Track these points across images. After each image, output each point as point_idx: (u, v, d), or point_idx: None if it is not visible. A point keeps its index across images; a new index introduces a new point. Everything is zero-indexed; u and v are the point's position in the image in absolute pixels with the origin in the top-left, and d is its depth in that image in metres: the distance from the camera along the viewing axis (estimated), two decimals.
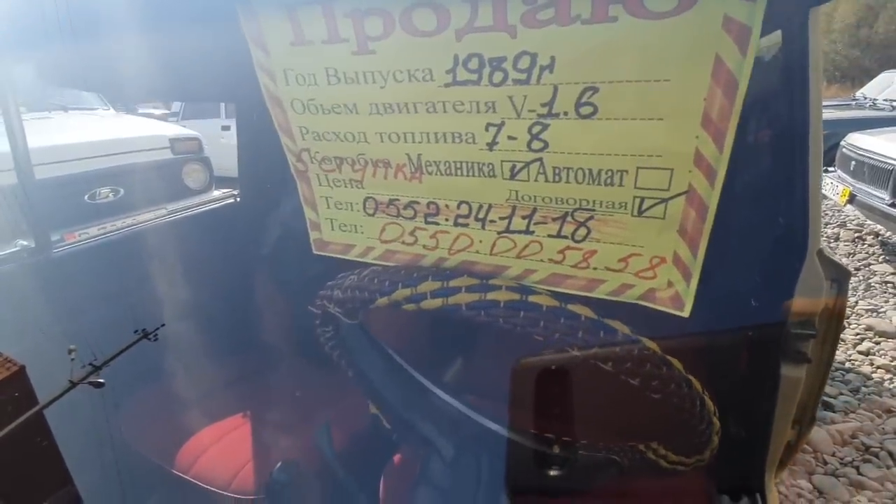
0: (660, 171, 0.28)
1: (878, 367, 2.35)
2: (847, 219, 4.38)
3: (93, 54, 0.58)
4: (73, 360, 0.50)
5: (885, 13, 24.40)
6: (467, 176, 0.34)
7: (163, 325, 0.57)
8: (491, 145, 0.32)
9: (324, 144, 0.39)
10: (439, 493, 0.45)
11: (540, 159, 0.31)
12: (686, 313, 0.31)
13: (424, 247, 0.39)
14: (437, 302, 0.37)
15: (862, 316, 2.83)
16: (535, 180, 0.32)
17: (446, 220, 0.37)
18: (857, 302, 2.97)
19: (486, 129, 0.31)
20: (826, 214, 4.60)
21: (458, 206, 0.36)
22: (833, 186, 3.65)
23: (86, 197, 2.69)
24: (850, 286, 3.15)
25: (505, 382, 0.47)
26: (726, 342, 0.43)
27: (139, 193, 2.87)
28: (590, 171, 0.30)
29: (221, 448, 0.82)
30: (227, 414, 0.84)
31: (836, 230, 4.18)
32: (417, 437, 0.45)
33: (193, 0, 0.38)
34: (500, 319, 0.36)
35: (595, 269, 0.33)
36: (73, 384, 0.48)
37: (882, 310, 2.89)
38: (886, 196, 3.09)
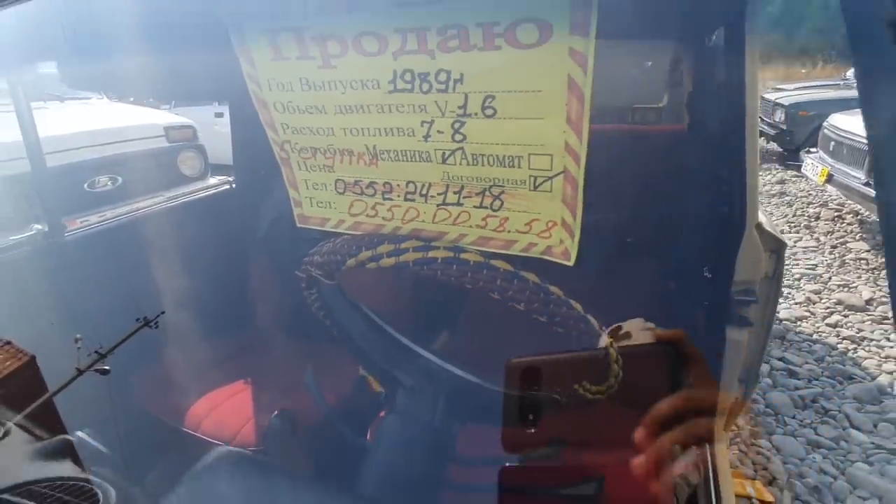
0: (544, 156, 0.38)
1: (844, 339, 2.49)
2: (829, 198, 4.49)
3: (103, 62, 0.67)
4: (79, 348, 0.60)
5: None
6: (411, 161, 0.44)
7: (163, 312, 0.67)
8: (426, 137, 0.42)
9: (301, 137, 0.49)
10: (401, 419, 0.56)
11: (462, 148, 0.41)
12: (571, 263, 0.41)
13: (383, 218, 0.49)
14: (391, 260, 0.48)
15: (834, 291, 2.95)
16: (460, 164, 0.42)
17: (398, 196, 0.47)
18: (830, 278, 3.10)
19: (421, 126, 0.42)
20: (809, 194, 4.72)
21: (406, 185, 0.46)
22: (813, 167, 3.75)
23: (85, 185, 2.77)
24: (825, 263, 3.27)
25: (453, 327, 0.58)
26: (678, 302, 0.53)
27: (136, 181, 2.95)
28: (497, 157, 0.40)
29: (226, 408, 0.93)
30: (230, 378, 0.94)
31: (817, 209, 4.30)
32: (384, 374, 0.56)
33: (197, 22, 0.48)
34: (438, 272, 0.46)
35: (509, 231, 0.44)
36: (80, 371, 0.58)
37: (854, 285, 3.01)
38: (862, 175, 3.20)
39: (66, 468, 0.46)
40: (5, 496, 0.39)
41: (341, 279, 0.57)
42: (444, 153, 0.42)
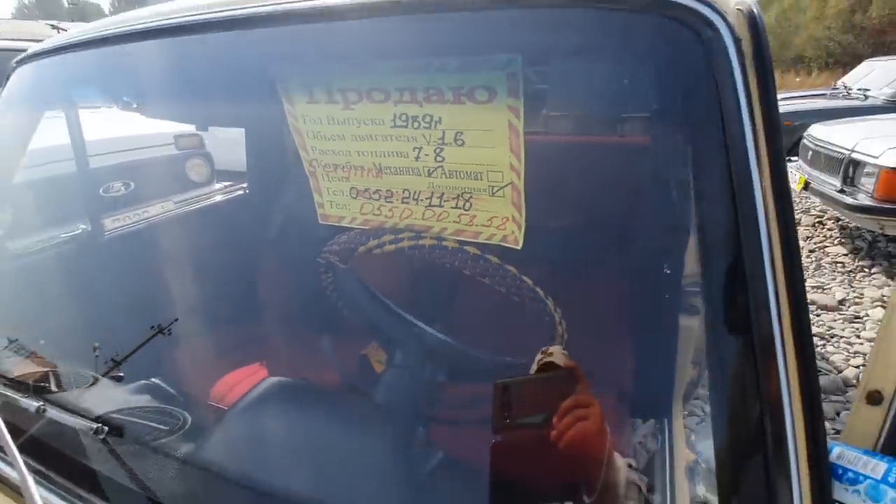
0: (496, 172, 0.56)
1: (814, 335, 2.67)
2: (812, 205, 4.68)
3: (166, 98, 0.85)
4: (97, 356, 0.75)
5: None
6: (406, 175, 0.62)
7: (176, 319, 0.82)
8: (416, 159, 0.60)
9: (325, 157, 0.67)
10: (397, 375, 0.73)
11: (441, 166, 0.59)
12: (519, 247, 0.59)
13: (385, 216, 0.67)
14: (392, 247, 0.65)
15: (808, 292, 3.13)
16: (440, 178, 0.60)
17: (397, 200, 0.65)
18: (805, 279, 3.27)
19: (413, 150, 0.59)
20: (794, 201, 4.89)
21: (402, 192, 0.64)
22: (791, 175, 3.93)
23: (100, 190, 2.96)
24: (803, 266, 3.45)
25: (437, 298, 0.76)
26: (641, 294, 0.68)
27: (147, 187, 3.13)
28: (466, 172, 0.58)
29: (249, 382, 1.10)
30: (250, 358, 1.11)
31: (798, 216, 4.47)
32: (384, 336, 0.73)
33: (244, 71, 0.65)
34: (426, 256, 0.64)
35: (476, 226, 0.61)
36: (96, 379, 0.72)
37: (828, 286, 3.18)
38: (837, 183, 3.38)
39: (157, 400, 0.63)
40: (123, 416, 0.56)
41: (353, 263, 0.75)
42: (429, 170, 0.60)
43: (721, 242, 0.40)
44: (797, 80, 23.09)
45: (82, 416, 0.49)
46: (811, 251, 3.74)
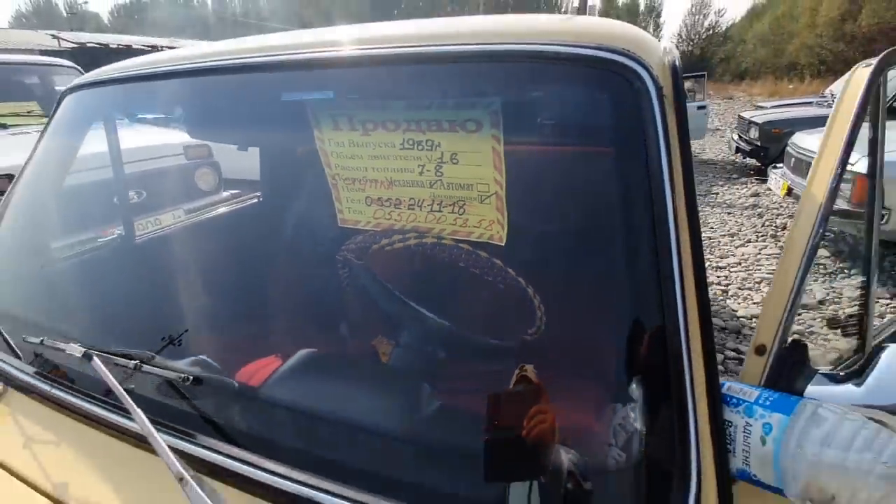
0: (483, 184, 0.71)
1: (794, 333, 2.82)
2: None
3: (207, 119, 1.00)
4: (164, 339, 0.87)
5: (868, 7, 24.47)
6: (412, 187, 0.77)
7: (186, 330, 0.95)
8: (420, 174, 0.75)
9: (345, 171, 0.82)
10: (406, 353, 0.88)
11: (440, 180, 0.74)
12: (503, 244, 0.74)
13: (394, 220, 0.82)
14: (400, 245, 0.80)
15: None
16: (440, 189, 0.75)
17: (404, 206, 0.80)
18: (704, 263, 3.44)
19: (418, 167, 0.75)
20: (780, 206, 5.05)
21: (408, 200, 0.79)
22: (776, 181, 4.10)
23: (115, 199, 3.11)
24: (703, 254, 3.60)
25: (438, 286, 0.91)
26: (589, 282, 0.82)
27: (159, 195, 3.29)
28: (460, 184, 0.73)
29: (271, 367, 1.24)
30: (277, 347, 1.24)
31: (785, 220, 4.64)
32: (394, 324, 0.88)
33: (267, 104, 0.81)
34: (428, 251, 0.79)
35: (469, 227, 0.76)
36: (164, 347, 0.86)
37: (809, 287, 3.33)
38: None
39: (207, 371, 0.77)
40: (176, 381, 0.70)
41: (367, 259, 0.89)
42: (430, 182, 0.75)
43: (642, 238, 0.55)
44: (790, 86, 23.44)
45: (172, 371, 0.63)
46: None
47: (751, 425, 0.49)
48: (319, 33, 0.83)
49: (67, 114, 1.17)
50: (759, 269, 3.66)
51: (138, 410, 0.54)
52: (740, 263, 3.77)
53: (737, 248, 4.10)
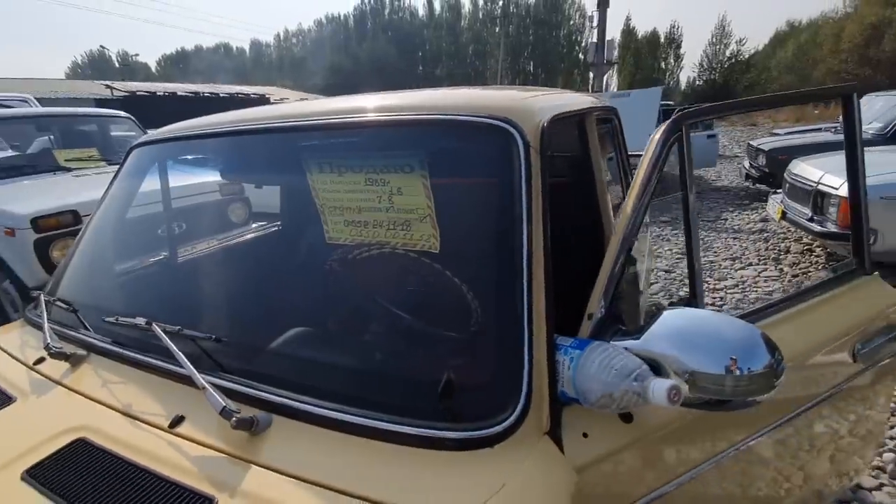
0: (421, 209, 1.00)
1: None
2: (803, 235, 4.91)
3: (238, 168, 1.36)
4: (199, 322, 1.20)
5: (890, 32, 24.15)
6: (374, 212, 1.08)
7: (213, 312, 1.27)
8: (379, 202, 1.06)
9: (329, 202, 1.13)
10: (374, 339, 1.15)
11: (392, 206, 1.04)
12: (437, 251, 1.02)
13: (364, 236, 1.12)
14: (367, 254, 1.10)
15: None
16: (392, 213, 1.05)
17: (370, 227, 1.10)
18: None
19: (376, 198, 1.05)
20: (786, 231, 5.12)
21: (373, 221, 1.09)
22: (773, 205, 4.25)
23: (159, 231, 3.55)
24: (782, 289, 3.69)
25: (396, 283, 1.19)
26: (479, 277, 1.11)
27: (196, 227, 3.72)
28: (405, 209, 1.03)
29: None
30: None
31: (789, 244, 4.73)
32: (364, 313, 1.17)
33: (280, 156, 1.13)
34: (386, 258, 1.08)
35: (414, 240, 1.05)
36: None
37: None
38: (808, 212, 3.69)
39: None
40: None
41: (347, 266, 1.19)
42: (386, 208, 1.05)
43: (507, 244, 0.82)
44: (815, 112, 23.23)
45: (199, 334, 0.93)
46: (794, 276, 3.99)
47: (564, 361, 0.74)
48: (310, 105, 1.16)
49: (133, 163, 1.55)
50: (756, 291, 3.77)
51: (184, 358, 0.83)
52: (738, 285, 3.89)
53: (737, 271, 4.22)
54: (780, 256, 4.47)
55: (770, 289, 3.81)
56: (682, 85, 38.00)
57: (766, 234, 5.22)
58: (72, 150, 4.37)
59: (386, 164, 1.01)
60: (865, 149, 4.06)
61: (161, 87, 23.47)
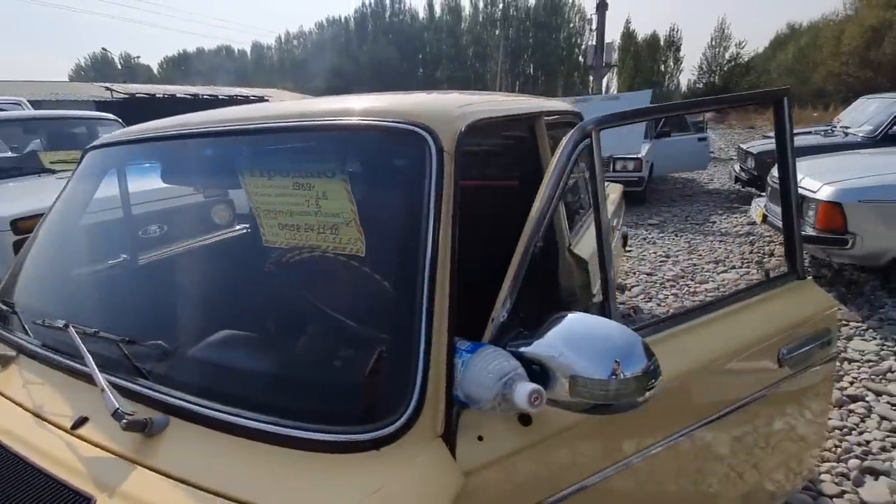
0: (346, 213, 1.01)
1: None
2: None
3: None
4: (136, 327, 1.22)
5: (890, 35, 24.11)
6: (304, 216, 1.09)
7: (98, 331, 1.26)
8: (307, 207, 1.07)
9: (264, 206, 1.14)
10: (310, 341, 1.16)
11: (320, 210, 1.06)
12: (363, 253, 1.03)
13: (298, 239, 1.13)
14: (300, 257, 1.11)
15: None
16: (321, 217, 1.06)
17: (301, 230, 1.11)
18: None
19: (305, 202, 1.06)
20: (772, 234, 5.11)
21: (305, 225, 1.10)
22: (756, 209, 4.24)
23: (140, 232, 3.57)
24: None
25: (325, 280, 1.20)
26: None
27: (178, 229, 3.74)
28: (333, 213, 1.04)
29: None
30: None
31: (773, 247, 4.72)
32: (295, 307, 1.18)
33: (221, 159, 1.15)
34: (318, 260, 1.09)
35: (342, 243, 1.07)
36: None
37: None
38: None
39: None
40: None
41: (282, 267, 1.20)
42: (315, 212, 1.06)
43: (407, 246, 0.83)
44: (815, 114, 23.21)
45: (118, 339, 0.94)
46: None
47: (458, 364, 0.75)
48: (250, 109, 1.18)
49: (87, 165, 1.56)
50: None
51: (90, 359, 0.84)
52: (718, 288, 3.89)
53: (719, 274, 4.22)
54: (764, 260, 4.47)
55: None
56: (683, 87, 38.01)
57: (752, 238, 5.22)
58: (56, 153, 4.39)
59: (310, 169, 1.03)
60: (853, 151, 4.05)
61: (161, 90, 23.54)
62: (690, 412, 0.97)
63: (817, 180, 3.43)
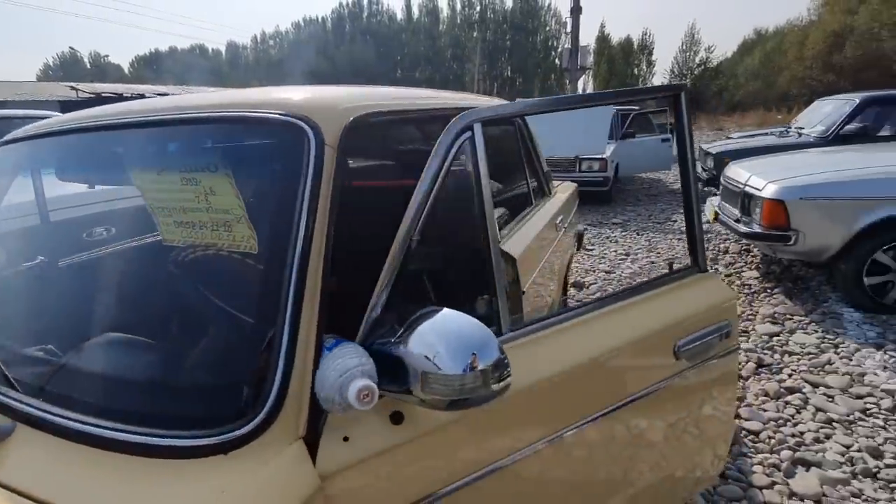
0: (235, 209, 0.98)
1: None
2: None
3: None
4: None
5: (850, 40, 25.12)
6: (197, 212, 1.05)
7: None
8: (198, 203, 1.03)
9: (158, 203, 1.10)
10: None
11: (211, 206, 1.02)
12: (256, 252, 1.00)
13: (194, 238, 1.09)
14: (195, 255, 1.07)
15: None
16: (212, 213, 1.03)
17: (196, 227, 1.07)
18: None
19: (195, 197, 1.02)
20: (728, 232, 5.23)
21: (199, 222, 1.06)
22: (710, 208, 4.34)
23: (84, 235, 3.45)
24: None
25: (219, 281, 1.16)
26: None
27: (125, 230, 3.61)
28: (223, 210, 1.01)
29: None
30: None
31: (728, 245, 4.83)
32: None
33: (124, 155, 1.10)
34: (213, 257, 1.06)
35: (236, 241, 1.03)
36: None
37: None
38: (737, 213, 3.78)
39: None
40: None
41: (180, 266, 1.16)
42: (206, 209, 1.03)
43: (277, 241, 0.81)
44: (779, 117, 23.97)
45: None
46: (728, 275, 4.09)
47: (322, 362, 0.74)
48: (144, 103, 1.14)
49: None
50: None
51: None
52: None
53: None
54: (719, 257, 4.58)
55: None
56: None
57: (709, 235, 5.34)
58: None
59: (195, 164, 0.99)
60: (803, 150, 4.17)
61: (129, 89, 22.89)
62: (578, 408, 0.97)
63: (763, 179, 3.52)
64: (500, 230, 1.68)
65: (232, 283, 0.91)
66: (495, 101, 1.65)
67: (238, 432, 0.68)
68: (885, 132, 5.63)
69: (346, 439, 0.74)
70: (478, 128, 0.90)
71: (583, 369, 0.95)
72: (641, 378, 1.05)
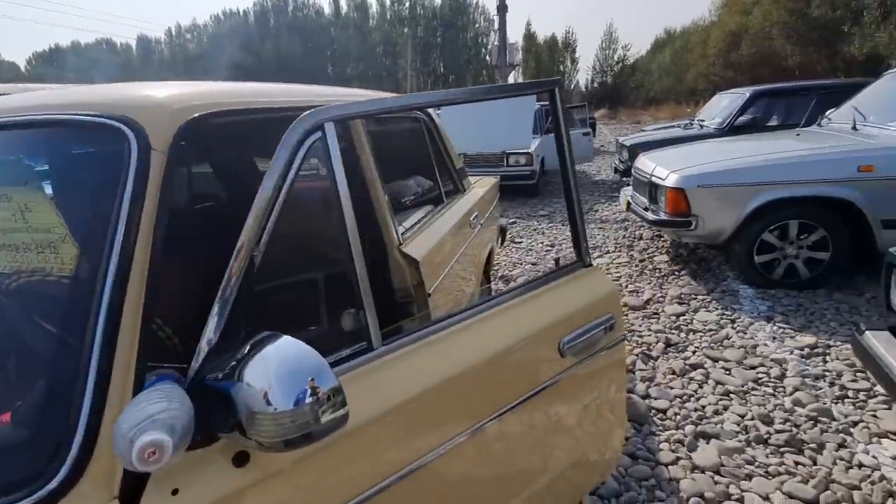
0: (57, 228, 0.85)
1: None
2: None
3: None
4: None
5: (746, 38, 27.60)
6: (15, 233, 0.90)
7: None
8: (15, 222, 0.88)
9: None
10: None
11: (29, 226, 0.87)
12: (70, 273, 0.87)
13: (20, 262, 0.93)
14: (17, 283, 0.92)
15: (624, 296, 3.60)
16: (33, 234, 0.88)
17: (22, 250, 0.92)
18: (626, 285, 3.76)
19: (11, 216, 0.87)
20: (639, 222, 5.53)
21: (22, 245, 0.91)
22: (623, 197, 4.55)
23: None
24: (629, 273, 3.96)
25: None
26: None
27: None
28: (43, 229, 0.86)
29: None
30: None
31: (641, 232, 5.10)
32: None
33: None
34: (41, 283, 0.91)
35: (66, 263, 0.89)
36: None
37: (642, 290, 3.68)
38: (646, 201, 3.98)
39: None
40: None
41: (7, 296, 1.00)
42: (26, 228, 0.88)
43: (86, 259, 0.70)
44: (688, 110, 25.94)
45: None
46: (641, 261, 4.33)
47: None
48: None
49: None
50: (608, 275, 4.02)
51: None
52: None
53: (595, 259, 4.48)
54: (633, 243, 4.84)
55: (619, 273, 4.08)
56: (582, 86, 40.61)
57: (626, 224, 5.64)
58: None
59: (2, 177, 0.85)
60: (703, 141, 4.46)
61: (20, 88, 20.44)
62: (460, 417, 0.93)
63: (666, 169, 3.74)
64: (402, 233, 1.62)
65: (46, 315, 0.78)
66: (377, 95, 1.58)
67: (35, 496, 0.57)
68: (772, 122, 6.21)
69: (175, 492, 0.65)
70: (330, 127, 0.83)
71: (462, 378, 0.91)
72: (527, 380, 1.03)
